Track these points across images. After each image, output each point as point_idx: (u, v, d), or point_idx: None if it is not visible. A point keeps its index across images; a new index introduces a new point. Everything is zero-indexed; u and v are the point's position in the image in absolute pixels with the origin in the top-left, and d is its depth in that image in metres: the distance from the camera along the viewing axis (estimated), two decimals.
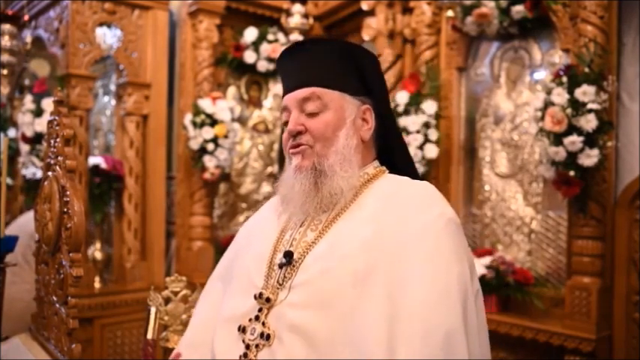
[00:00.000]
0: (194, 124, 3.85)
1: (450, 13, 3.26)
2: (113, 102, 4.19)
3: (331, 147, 1.27)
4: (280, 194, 1.34)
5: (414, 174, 1.37)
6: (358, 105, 1.32)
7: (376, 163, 1.38)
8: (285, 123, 1.33)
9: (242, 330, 1.22)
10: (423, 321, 1.06)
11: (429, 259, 1.13)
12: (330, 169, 1.25)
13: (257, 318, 1.20)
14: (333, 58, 1.33)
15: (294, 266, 1.22)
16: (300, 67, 1.33)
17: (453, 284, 1.10)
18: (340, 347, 1.09)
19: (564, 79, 2.62)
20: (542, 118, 2.65)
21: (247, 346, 1.19)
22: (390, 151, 1.40)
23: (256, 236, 1.41)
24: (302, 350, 1.12)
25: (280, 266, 1.24)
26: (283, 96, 1.35)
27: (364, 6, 3.70)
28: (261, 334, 1.17)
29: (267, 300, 1.20)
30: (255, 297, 1.22)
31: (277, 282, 1.23)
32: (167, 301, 1.75)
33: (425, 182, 1.30)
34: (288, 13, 4.20)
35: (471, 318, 1.12)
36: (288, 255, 1.24)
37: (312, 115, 1.28)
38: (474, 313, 1.13)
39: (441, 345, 1.04)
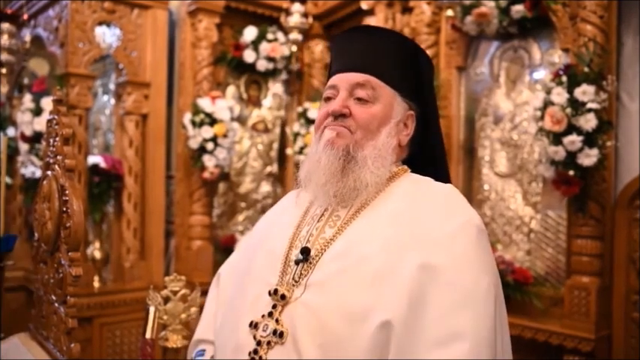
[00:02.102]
0: (193, 123, 3.85)
1: (449, 12, 3.26)
2: (112, 101, 4.19)
3: (371, 140, 1.24)
4: (303, 171, 1.29)
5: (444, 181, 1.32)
6: (405, 108, 1.30)
7: (400, 163, 1.34)
8: (326, 99, 1.30)
9: (254, 326, 1.18)
10: (443, 331, 1.03)
11: (456, 267, 1.09)
12: (363, 159, 1.22)
13: (270, 314, 1.17)
14: (397, 54, 1.30)
15: (310, 263, 1.19)
16: (363, 51, 1.29)
17: (481, 294, 1.07)
18: (355, 349, 1.06)
19: (564, 78, 2.62)
20: (542, 118, 2.65)
21: (258, 343, 1.15)
22: (425, 161, 1.36)
23: (271, 230, 1.38)
24: (314, 350, 1.09)
25: (296, 263, 1.21)
26: (333, 74, 1.32)
27: (364, 5, 3.70)
28: (274, 332, 1.14)
29: (282, 297, 1.17)
30: (269, 293, 1.19)
31: (293, 279, 1.19)
32: (166, 300, 1.75)
33: (449, 185, 1.27)
34: (288, 13, 4.20)
35: (499, 332, 1.09)
36: (305, 251, 1.20)
37: (360, 101, 1.25)
38: (499, 327, 1.10)
39: (467, 354, 1.01)
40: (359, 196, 1.24)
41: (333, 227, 1.24)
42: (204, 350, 1.41)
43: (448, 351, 1.02)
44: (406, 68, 1.31)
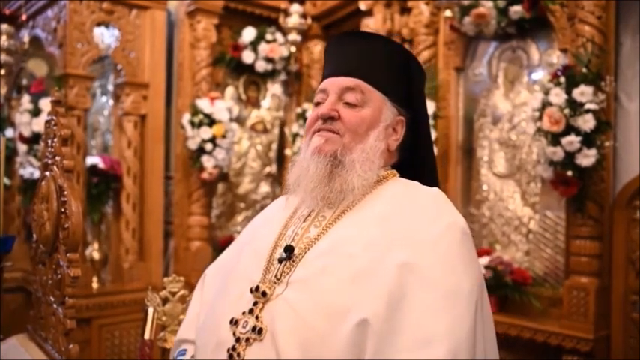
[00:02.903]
0: (192, 124, 3.85)
1: (448, 13, 3.27)
2: (111, 102, 4.19)
3: (359, 144, 1.26)
4: (292, 176, 1.31)
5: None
6: (395, 113, 1.31)
7: (388, 167, 1.36)
8: (316, 104, 1.32)
9: (234, 323, 1.19)
10: (421, 331, 1.04)
11: (439, 267, 1.10)
12: (351, 163, 1.24)
13: (251, 311, 1.17)
14: (388, 59, 1.32)
15: (293, 261, 1.20)
16: (354, 55, 1.31)
17: (462, 295, 1.08)
18: (333, 347, 1.07)
19: (562, 79, 2.63)
20: (540, 118, 2.65)
21: (237, 339, 1.15)
22: (415, 166, 1.38)
23: (259, 232, 1.40)
24: (293, 348, 1.09)
25: (280, 261, 1.22)
26: (324, 78, 1.34)
27: (362, 6, 3.70)
28: (253, 328, 1.14)
29: (263, 294, 1.17)
30: (250, 290, 1.20)
31: (275, 276, 1.20)
32: (165, 301, 1.75)
33: (436, 189, 1.28)
34: (286, 13, 4.20)
35: (479, 333, 1.10)
36: (289, 249, 1.22)
37: (349, 105, 1.27)
38: (480, 328, 1.11)
39: (445, 355, 1.01)
40: (345, 198, 1.25)
41: (318, 227, 1.25)
42: (185, 350, 1.42)
43: (426, 351, 1.02)
44: (397, 74, 1.33)
